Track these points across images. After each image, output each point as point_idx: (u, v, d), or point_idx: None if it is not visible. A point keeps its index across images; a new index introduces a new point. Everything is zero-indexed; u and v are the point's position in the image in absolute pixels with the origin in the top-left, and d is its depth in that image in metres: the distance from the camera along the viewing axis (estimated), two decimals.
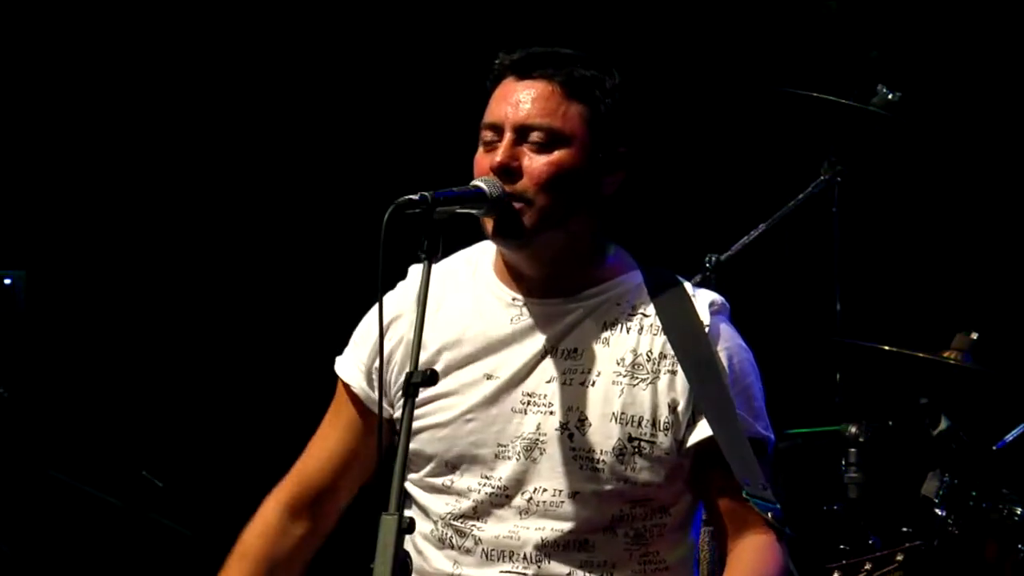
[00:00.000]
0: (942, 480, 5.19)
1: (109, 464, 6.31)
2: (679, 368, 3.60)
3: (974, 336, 5.33)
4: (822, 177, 5.68)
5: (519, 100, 3.60)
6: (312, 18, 6.92)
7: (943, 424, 5.31)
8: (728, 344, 3.65)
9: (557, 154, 3.59)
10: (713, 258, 5.41)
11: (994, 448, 5.33)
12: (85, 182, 6.93)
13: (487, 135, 3.62)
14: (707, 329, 3.63)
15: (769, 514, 3.49)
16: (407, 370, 3.36)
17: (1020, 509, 5.07)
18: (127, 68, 6.89)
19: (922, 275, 6.44)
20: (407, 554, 3.33)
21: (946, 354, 5.30)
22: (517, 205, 3.58)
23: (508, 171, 3.57)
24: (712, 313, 3.66)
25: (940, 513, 5.17)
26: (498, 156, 3.57)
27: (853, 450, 5.29)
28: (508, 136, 3.59)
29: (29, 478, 5.41)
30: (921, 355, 5.25)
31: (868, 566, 3.24)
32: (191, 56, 6.91)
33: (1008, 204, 6.07)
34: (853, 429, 5.30)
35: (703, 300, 3.67)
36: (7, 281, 6.30)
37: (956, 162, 5.58)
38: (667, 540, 3.65)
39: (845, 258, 5.76)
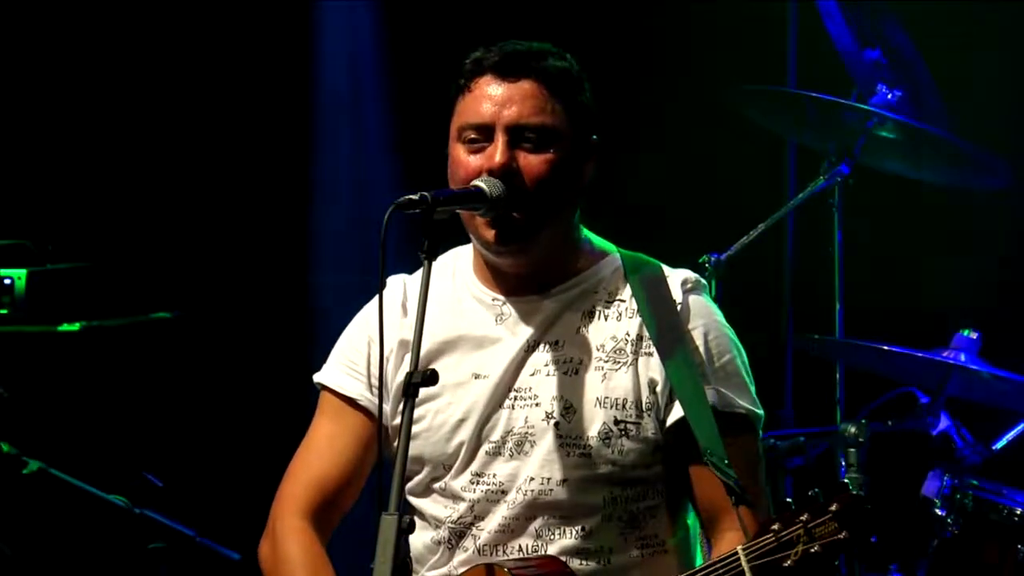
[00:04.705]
0: (942, 480, 5.19)
1: (109, 464, 6.30)
2: (655, 349, 3.62)
3: (974, 336, 5.33)
4: (822, 177, 5.68)
5: (508, 100, 3.60)
6: (309, 18, 6.92)
7: (943, 424, 5.31)
8: (703, 321, 3.68)
9: (551, 152, 3.61)
10: (713, 258, 5.42)
11: (994, 448, 5.33)
12: (81, 182, 6.93)
13: (471, 136, 3.62)
14: (679, 307, 3.66)
15: (731, 484, 3.49)
16: (407, 371, 3.39)
17: (1020, 509, 5.06)
18: (125, 71, 6.89)
19: (922, 275, 6.43)
20: (407, 554, 3.34)
21: (946, 354, 5.30)
22: (516, 210, 3.59)
23: (509, 172, 3.58)
24: (685, 291, 3.69)
25: (940, 513, 5.16)
26: (497, 157, 3.58)
27: (853, 450, 5.28)
28: (502, 137, 3.59)
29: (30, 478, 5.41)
30: (921, 355, 5.25)
31: (804, 516, 3.26)
32: (184, 59, 6.91)
33: (1008, 203, 6.07)
34: (853, 429, 5.29)
35: (676, 279, 3.71)
36: (7, 281, 6.29)
37: (955, 161, 5.58)
38: (662, 522, 3.67)
39: (845, 258, 5.76)
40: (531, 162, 3.59)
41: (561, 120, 3.62)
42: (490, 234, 3.61)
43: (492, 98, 3.61)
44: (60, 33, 6.89)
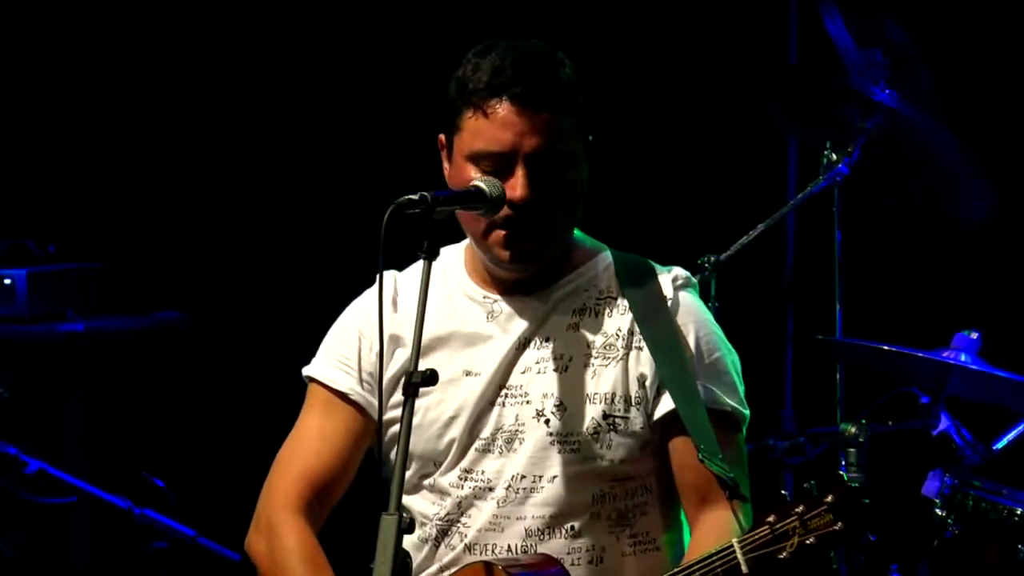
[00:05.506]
0: (942, 480, 5.19)
1: (110, 464, 6.31)
2: (644, 343, 3.64)
3: (974, 336, 5.33)
4: (822, 177, 5.68)
5: (529, 131, 3.59)
6: (312, 18, 6.93)
7: (943, 424, 5.31)
8: (694, 318, 3.69)
9: (567, 174, 3.63)
10: (712, 258, 5.42)
11: (994, 448, 5.33)
12: (82, 182, 6.94)
13: (486, 164, 3.61)
14: (670, 303, 3.67)
15: (726, 479, 3.50)
16: (399, 367, 3.39)
17: (1020, 509, 5.06)
18: (124, 72, 6.91)
19: (922, 275, 6.44)
20: (407, 554, 3.35)
21: (946, 354, 5.30)
22: (533, 235, 3.61)
23: (529, 203, 3.58)
24: (676, 288, 3.70)
25: (940, 513, 5.16)
26: (519, 191, 3.58)
27: (853, 450, 5.29)
28: (522, 170, 3.59)
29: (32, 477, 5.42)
30: (921, 355, 5.25)
31: (800, 508, 3.29)
32: (189, 58, 6.92)
33: (1008, 202, 6.07)
34: (853, 429, 5.29)
35: (667, 276, 3.72)
36: (7, 281, 6.30)
37: (955, 162, 5.58)
38: (654, 520, 3.68)
39: (845, 258, 5.76)
40: (549, 190, 3.61)
41: (574, 139, 3.64)
42: (504, 254, 3.63)
43: (512, 128, 3.59)
44: (63, 33, 6.91)
